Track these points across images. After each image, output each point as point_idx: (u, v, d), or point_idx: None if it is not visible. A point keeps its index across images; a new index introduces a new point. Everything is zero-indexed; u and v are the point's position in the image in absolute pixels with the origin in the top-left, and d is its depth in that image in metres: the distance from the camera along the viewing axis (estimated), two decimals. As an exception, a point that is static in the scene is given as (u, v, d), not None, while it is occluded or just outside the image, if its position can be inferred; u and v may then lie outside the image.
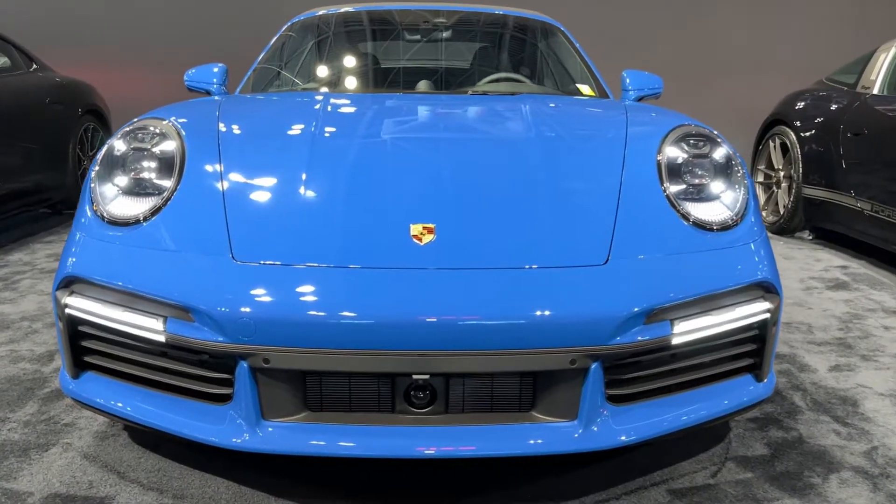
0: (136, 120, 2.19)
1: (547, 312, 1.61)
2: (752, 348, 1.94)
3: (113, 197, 2.00)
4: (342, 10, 3.60)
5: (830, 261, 4.52)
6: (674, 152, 2.12)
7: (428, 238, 1.75)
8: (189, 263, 1.74)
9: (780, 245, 4.89)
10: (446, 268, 1.68)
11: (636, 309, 1.67)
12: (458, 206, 1.87)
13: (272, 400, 1.67)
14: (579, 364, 1.65)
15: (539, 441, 1.68)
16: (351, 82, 3.31)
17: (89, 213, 1.96)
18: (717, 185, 2.09)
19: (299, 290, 1.63)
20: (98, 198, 1.98)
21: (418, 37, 3.56)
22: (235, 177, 1.96)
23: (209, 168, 1.99)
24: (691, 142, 2.18)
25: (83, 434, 2.20)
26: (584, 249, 1.77)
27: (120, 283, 1.76)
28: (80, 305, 1.82)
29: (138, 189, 2.00)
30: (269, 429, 1.67)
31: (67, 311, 1.84)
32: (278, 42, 3.44)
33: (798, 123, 5.05)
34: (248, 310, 1.60)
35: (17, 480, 1.94)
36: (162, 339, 1.70)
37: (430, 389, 1.68)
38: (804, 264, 4.43)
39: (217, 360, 1.69)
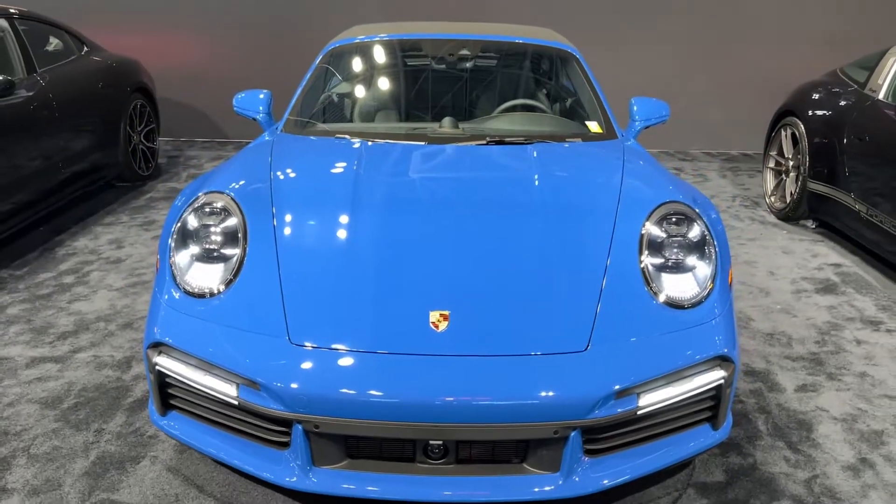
0: (201, 194, 2.62)
1: (535, 395, 2.05)
2: (708, 405, 2.37)
3: (187, 266, 2.45)
4: (375, 38, 3.91)
5: (827, 256, 4.85)
6: (655, 231, 2.51)
7: (443, 325, 2.17)
8: (254, 343, 2.19)
9: (782, 236, 5.22)
10: (457, 354, 2.11)
11: (609, 391, 2.10)
12: (468, 292, 2.29)
13: (321, 451, 2.15)
14: (561, 434, 2.10)
15: (531, 489, 2.14)
16: (382, 114, 3.67)
17: (169, 284, 2.41)
18: (690, 261, 2.48)
19: (339, 371, 2.08)
20: (175, 269, 2.43)
21: (444, 66, 3.88)
22: (288, 260, 2.38)
23: (267, 251, 2.42)
24: (672, 219, 2.55)
25: (165, 447, 2.71)
26: (568, 337, 2.19)
27: (199, 354, 2.22)
28: (167, 364, 2.29)
29: (209, 258, 2.45)
30: (317, 473, 2.16)
31: (157, 367, 2.31)
32: (316, 71, 3.78)
33: (808, 116, 5.29)
34: (298, 387, 2.06)
35: (120, 493, 2.47)
36: (235, 402, 2.17)
37: (444, 445, 2.14)
38: (801, 260, 4.77)
39: (278, 419, 2.16)
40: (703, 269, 2.47)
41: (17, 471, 2.56)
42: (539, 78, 3.98)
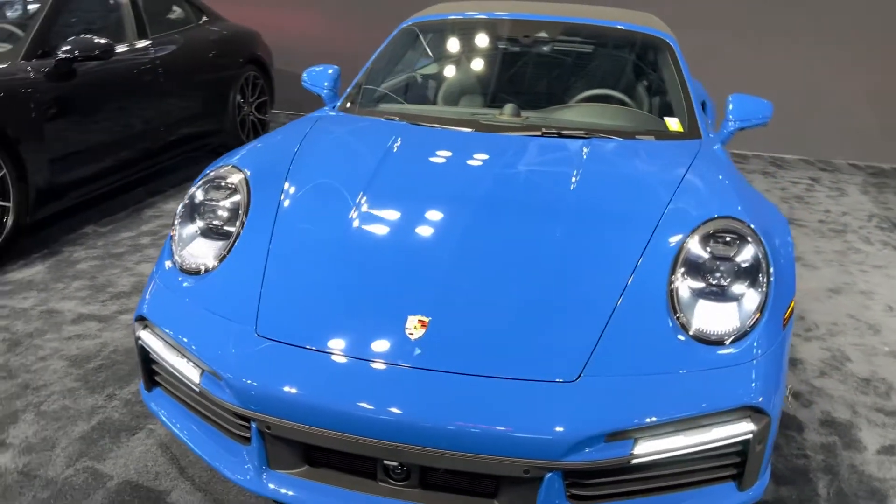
0: (214, 168, 2.52)
1: (504, 426, 1.78)
2: (733, 461, 1.99)
3: (190, 239, 2.36)
4: (450, 16, 3.68)
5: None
6: (697, 249, 2.15)
7: (419, 333, 1.94)
8: (222, 329, 2.05)
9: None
10: (424, 368, 1.87)
11: (596, 432, 1.79)
12: (457, 300, 2.04)
13: (277, 454, 1.99)
14: (532, 474, 1.81)
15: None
16: (446, 97, 3.45)
17: (166, 256, 2.34)
18: (736, 289, 2.10)
19: (294, 371, 1.90)
20: (177, 239, 2.35)
21: (519, 48, 3.59)
22: (279, 244, 2.24)
23: (262, 232, 2.28)
24: (722, 238, 2.18)
25: (165, 422, 2.66)
26: (558, 363, 1.89)
27: (172, 334, 2.12)
28: (148, 340, 2.21)
29: (212, 234, 2.35)
30: (271, 476, 2.00)
31: (139, 342, 2.24)
32: (385, 49, 3.61)
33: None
34: (253, 383, 1.90)
35: (105, 462, 2.44)
36: (197, 389, 2.05)
37: (406, 467, 1.91)
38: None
39: (235, 413, 2.02)
40: (751, 299, 2.08)
41: (22, 426, 2.59)
42: (625, 67, 3.60)
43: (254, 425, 1.96)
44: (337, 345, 1.94)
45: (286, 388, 1.88)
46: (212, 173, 2.51)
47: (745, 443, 1.94)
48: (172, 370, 2.13)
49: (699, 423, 1.90)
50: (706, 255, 2.14)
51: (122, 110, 4.79)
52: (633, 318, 2.01)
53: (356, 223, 2.30)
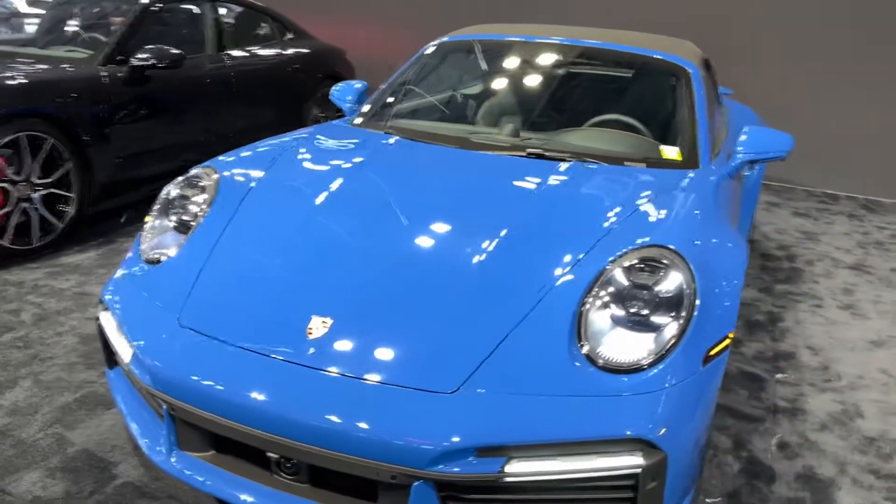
0: (197, 167, 2.70)
1: (371, 430, 1.81)
2: (627, 496, 1.92)
3: (158, 232, 2.54)
4: (473, 38, 3.74)
5: None
6: (618, 276, 2.10)
7: (319, 333, 2.01)
8: (153, 314, 2.20)
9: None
10: (310, 366, 1.93)
11: (464, 445, 1.79)
12: (365, 305, 2.09)
13: (186, 436, 2.10)
14: (400, 481, 1.83)
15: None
16: (453, 115, 3.51)
17: (136, 245, 2.53)
18: (652, 319, 2.04)
19: (198, 358, 2.01)
20: (147, 231, 2.54)
21: (535, 72, 3.60)
22: (226, 242, 2.37)
23: (217, 229, 2.43)
24: (645, 266, 2.12)
25: (139, 401, 2.86)
26: (440, 374, 1.90)
27: (117, 316, 2.29)
28: (104, 321, 2.39)
29: (179, 229, 2.52)
30: (178, 457, 2.12)
31: (98, 322, 2.43)
32: (410, 66, 3.71)
33: None
34: (160, 366, 2.03)
35: (73, 432, 2.64)
36: (126, 368, 2.21)
37: (295, 462, 1.98)
38: None
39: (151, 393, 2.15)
40: (666, 331, 2.01)
41: (16, 391, 2.86)
42: (638, 93, 3.52)
43: (165, 406, 2.08)
44: (243, 338, 2.04)
45: (188, 374, 2.00)
46: (191, 172, 2.70)
47: (636, 478, 1.87)
48: (114, 349, 2.30)
49: (584, 450, 1.85)
50: (626, 283, 2.09)
51: (190, 116, 5.15)
52: (533, 337, 1.99)
53: (297, 227, 2.40)
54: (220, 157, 2.86)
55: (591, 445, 1.85)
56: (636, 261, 2.13)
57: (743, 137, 3.13)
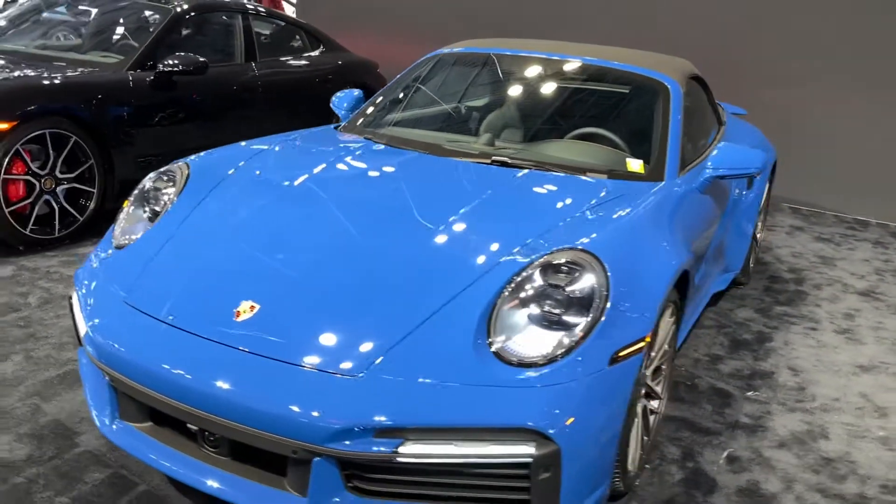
0: (176, 163, 2.90)
1: (278, 406, 1.93)
2: (523, 485, 1.99)
3: (130, 220, 2.73)
4: (465, 51, 3.87)
5: None
6: (535, 276, 2.18)
7: (245, 316, 2.15)
8: (107, 293, 2.38)
9: None
10: (231, 345, 2.07)
11: (359, 424, 1.89)
12: (293, 292, 2.22)
13: (126, 406, 2.27)
14: (301, 456, 1.95)
15: (273, 504, 2.03)
16: (435, 123, 3.63)
17: (109, 233, 2.72)
18: (561, 318, 2.11)
19: (136, 335, 2.18)
20: (121, 219, 2.74)
21: (519, 84, 3.70)
22: (183, 231, 2.54)
23: (178, 219, 2.60)
24: (563, 268, 2.19)
25: (115, 380, 3.05)
26: (349, 359, 2.01)
27: (81, 294, 2.48)
28: (74, 301, 2.59)
29: (150, 218, 2.71)
30: (119, 425, 2.28)
31: (70, 301, 2.63)
32: (402, 76, 3.87)
33: None
34: (101, 340, 2.20)
35: (48, 404, 2.84)
36: (83, 344, 2.38)
37: (218, 435, 2.11)
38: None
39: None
40: (572, 330, 2.08)
41: (7, 364, 3.09)
42: (618, 108, 3.57)
43: (107, 378, 2.25)
44: (177, 317, 2.19)
45: (123, 349, 2.16)
46: (170, 165, 2.89)
47: (528, 467, 1.94)
48: (77, 322, 2.49)
49: (478, 437, 1.93)
50: (541, 282, 2.16)
51: (214, 122, 5.41)
52: (444, 328, 2.08)
53: (250, 219, 2.56)
54: (199, 154, 3.05)
55: (486, 433, 1.93)
56: (555, 262, 2.20)
57: (714, 153, 3.17)
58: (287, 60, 6.23)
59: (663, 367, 2.78)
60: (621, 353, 2.11)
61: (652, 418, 2.74)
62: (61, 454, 2.56)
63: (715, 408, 3.23)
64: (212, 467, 2.12)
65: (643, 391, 2.58)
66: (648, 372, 2.60)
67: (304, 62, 6.39)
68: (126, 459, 2.54)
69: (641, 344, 2.17)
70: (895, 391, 3.53)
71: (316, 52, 6.60)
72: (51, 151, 4.30)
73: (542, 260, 2.22)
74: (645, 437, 2.66)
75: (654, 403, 2.77)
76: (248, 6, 6.00)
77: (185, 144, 5.17)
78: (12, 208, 4.19)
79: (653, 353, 2.55)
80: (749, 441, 2.99)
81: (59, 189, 4.41)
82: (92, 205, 4.59)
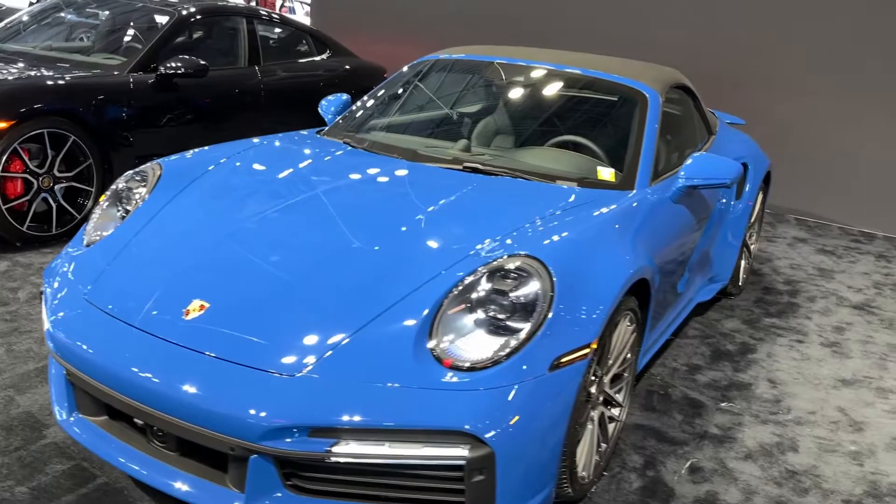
0: (150, 163, 2.96)
1: (215, 404, 1.97)
2: (457, 487, 2.01)
3: (102, 218, 2.80)
4: (449, 58, 3.90)
5: None
6: (481, 281, 2.20)
7: (194, 315, 2.19)
8: (70, 288, 2.44)
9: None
10: (177, 343, 2.11)
11: (292, 423, 1.93)
12: (244, 294, 2.25)
13: (82, 399, 2.32)
14: (238, 453, 1.98)
15: (212, 500, 2.06)
16: (415, 129, 3.66)
17: (81, 230, 2.79)
18: (505, 323, 2.13)
19: (91, 330, 2.23)
20: (94, 217, 2.80)
21: (500, 92, 3.72)
22: (148, 229, 2.60)
23: (145, 218, 2.66)
24: (509, 274, 2.21)
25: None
26: (290, 358, 2.04)
27: (48, 290, 2.54)
28: (46, 292, 2.66)
29: (122, 216, 2.78)
30: (76, 419, 2.34)
31: (42, 296, 2.70)
32: (386, 84, 3.91)
33: None
34: (59, 335, 2.26)
35: (23, 396, 2.92)
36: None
37: (165, 431, 2.16)
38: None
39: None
40: (514, 335, 2.10)
41: (-12, 358, 3.18)
42: (595, 116, 3.58)
43: (63, 370, 2.31)
44: (131, 314, 2.24)
45: (78, 343, 2.22)
46: (144, 165, 2.95)
47: (462, 470, 1.97)
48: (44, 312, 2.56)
49: (413, 439, 1.96)
50: (487, 287, 2.18)
51: (215, 124, 5.49)
52: (387, 330, 2.11)
53: (213, 219, 2.62)
54: (175, 155, 3.11)
55: (421, 435, 1.95)
56: (502, 267, 2.22)
57: (688, 162, 3.16)
58: (292, 64, 6.31)
59: (625, 374, 2.78)
60: (563, 360, 2.12)
61: (612, 426, 2.74)
62: (27, 445, 2.62)
63: (685, 418, 3.22)
64: (159, 462, 2.17)
65: (601, 398, 2.60)
66: (606, 379, 2.61)
67: (309, 66, 6.47)
68: (89, 452, 2.60)
69: (586, 351, 2.18)
70: (874, 406, 3.49)
71: (322, 57, 6.67)
72: (49, 150, 4.40)
73: (490, 265, 2.24)
74: (603, 445, 2.66)
75: (615, 411, 2.77)
76: (254, 10, 6.09)
77: (185, 146, 5.21)
78: (10, 205, 4.30)
79: (609, 361, 2.56)
80: (715, 452, 2.98)
81: (57, 187, 4.51)
82: (90, 204, 4.69)
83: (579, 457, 2.42)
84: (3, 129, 4.17)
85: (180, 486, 2.11)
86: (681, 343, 3.98)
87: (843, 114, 6.63)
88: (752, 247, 4.88)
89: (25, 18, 5.78)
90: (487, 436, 1.95)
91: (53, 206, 4.52)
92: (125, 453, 2.22)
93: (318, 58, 6.63)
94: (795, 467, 2.93)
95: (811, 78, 6.71)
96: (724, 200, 4.05)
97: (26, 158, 4.33)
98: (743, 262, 4.62)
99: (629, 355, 2.74)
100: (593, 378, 2.40)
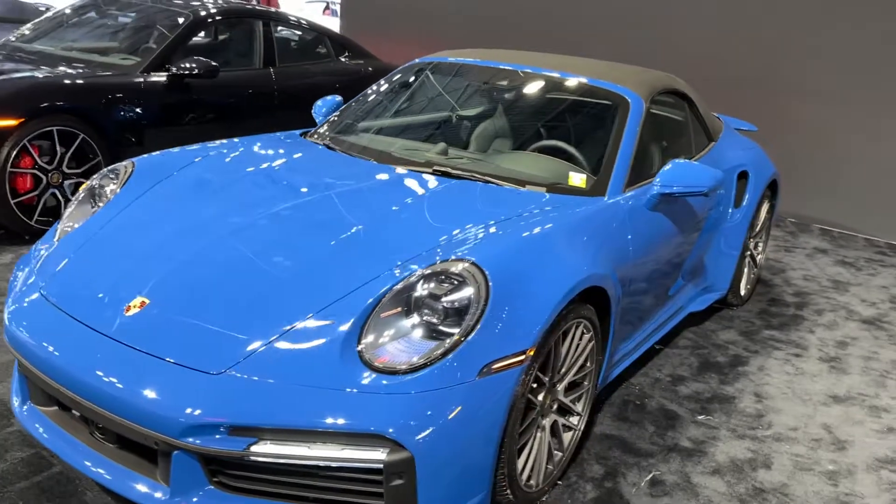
0: (126, 161, 3.04)
1: (140, 399, 2.01)
2: (377, 490, 2.01)
3: (74, 213, 2.87)
4: (437, 61, 3.90)
5: None
6: (417, 285, 2.19)
7: (135, 311, 2.24)
8: (30, 281, 2.51)
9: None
10: (110, 336, 2.16)
11: (211, 421, 1.95)
12: (185, 291, 2.29)
13: (35, 389, 2.39)
14: (162, 448, 2.02)
15: (139, 492, 2.10)
16: (395, 132, 3.67)
17: (54, 225, 2.87)
18: (436, 327, 2.12)
19: (38, 322, 2.30)
20: (66, 213, 2.88)
21: (483, 95, 3.70)
22: (110, 226, 2.66)
23: (110, 215, 2.73)
24: (444, 279, 2.20)
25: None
26: (213, 357, 2.07)
27: (15, 282, 2.63)
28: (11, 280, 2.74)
29: (93, 211, 2.85)
30: (27, 409, 2.41)
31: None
32: (372, 88, 3.93)
33: None
34: (12, 327, 2.33)
35: (5, 385, 3.02)
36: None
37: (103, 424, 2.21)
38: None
39: None
40: (442, 339, 2.09)
41: (-24, 349, 3.29)
42: (579, 122, 3.53)
43: (16, 361, 2.39)
44: (76, 307, 2.30)
45: (26, 335, 2.28)
46: (114, 166, 3.03)
47: (381, 473, 1.96)
48: None
49: (332, 441, 1.96)
50: (421, 291, 2.18)
51: (227, 124, 5.58)
52: (316, 331, 2.12)
53: (171, 217, 2.66)
54: (151, 153, 3.18)
55: (341, 437, 1.96)
56: (438, 272, 2.21)
57: (667, 167, 3.10)
58: (308, 66, 6.38)
59: (585, 382, 2.74)
60: (495, 366, 2.10)
61: (568, 434, 2.70)
62: (-6, 432, 2.71)
63: (657, 429, 3.15)
64: (99, 454, 2.22)
65: (554, 406, 2.56)
66: (560, 387, 2.57)
67: (325, 68, 6.54)
68: (50, 441, 2.67)
69: (521, 357, 2.16)
70: (863, 424, 3.37)
71: (341, 59, 6.73)
72: (58, 148, 4.54)
73: (427, 269, 2.23)
74: (558, 453, 2.63)
75: (574, 420, 2.73)
76: (271, 12, 6.18)
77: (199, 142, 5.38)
78: (19, 199, 4.45)
79: (561, 369, 2.53)
80: (681, 465, 2.91)
81: (66, 183, 4.65)
82: (98, 199, 4.82)
83: (524, 464, 2.39)
84: (12, 126, 4.32)
85: (111, 477, 2.16)
86: (669, 353, 3.90)
87: (875, 124, 6.41)
88: (758, 257, 4.75)
89: (53, 20, 5.97)
90: (406, 440, 1.95)
91: (62, 201, 4.66)
92: (68, 443, 2.27)
93: (336, 60, 6.69)
94: (764, 485, 2.85)
95: (846, 86, 6.50)
96: (721, 208, 3.96)
97: (36, 155, 4.47)
98: (746, 272, 4.51)
99: (588, 364, 2.70)
100: (536, 385, 2.37)
